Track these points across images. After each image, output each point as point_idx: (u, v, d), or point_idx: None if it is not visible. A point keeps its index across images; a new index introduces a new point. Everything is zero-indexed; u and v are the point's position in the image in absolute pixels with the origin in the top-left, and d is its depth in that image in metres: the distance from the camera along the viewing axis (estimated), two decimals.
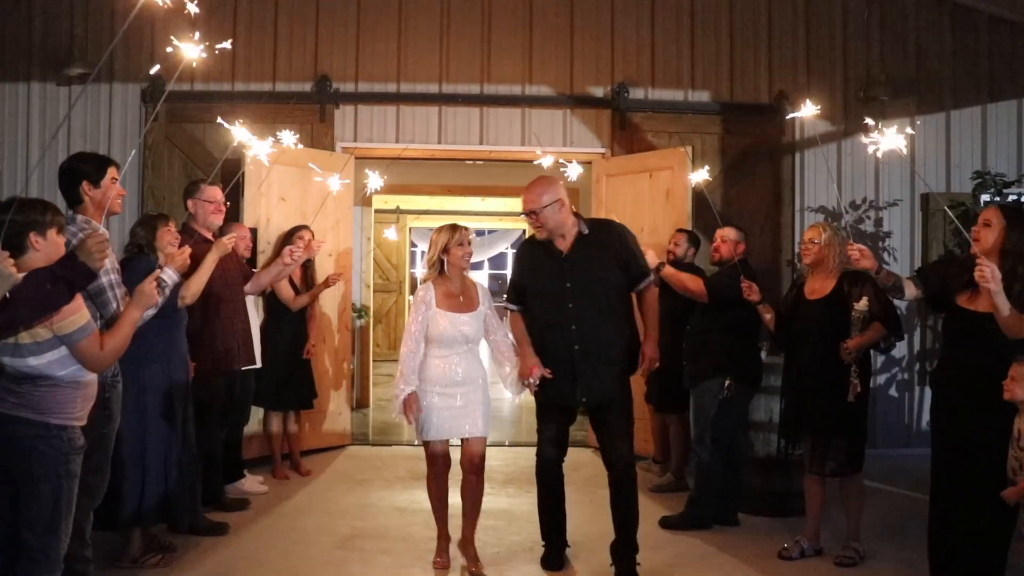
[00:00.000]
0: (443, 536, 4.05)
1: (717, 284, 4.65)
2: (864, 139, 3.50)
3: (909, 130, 3.57)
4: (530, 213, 3.82)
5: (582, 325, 3.77)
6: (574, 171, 4.80)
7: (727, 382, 4.55)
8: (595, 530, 4.27)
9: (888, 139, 3.38)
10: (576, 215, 3.93)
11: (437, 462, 3.97)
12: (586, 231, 3.88)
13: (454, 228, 3.90)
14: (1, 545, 2.79)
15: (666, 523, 4.63)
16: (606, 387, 3.81)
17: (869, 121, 3.45)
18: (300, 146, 4.77)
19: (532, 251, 4.02)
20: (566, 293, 3.80)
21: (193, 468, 3.96)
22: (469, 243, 3.93)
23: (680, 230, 5.51)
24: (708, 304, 4.65)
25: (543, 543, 4.07)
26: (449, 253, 3.86)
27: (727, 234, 4.78)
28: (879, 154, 3.47)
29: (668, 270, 4.77)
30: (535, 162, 5.53)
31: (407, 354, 3.83)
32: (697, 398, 4.66)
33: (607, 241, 3.88)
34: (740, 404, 4.67)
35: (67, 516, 2.80)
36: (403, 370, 3.82)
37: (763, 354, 4.97)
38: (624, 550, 3.85)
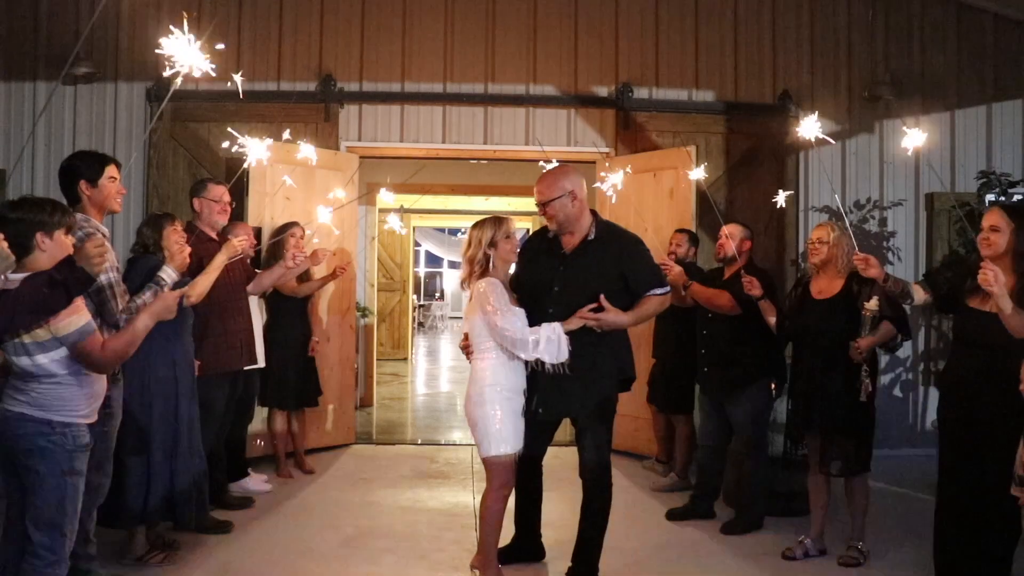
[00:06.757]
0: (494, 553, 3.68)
1: (744, 293, 4.38)
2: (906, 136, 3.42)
3: (917, 130, 3.53)
4: (540, 205, 3.61)
5: None
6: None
7: (772, 384, 4.51)
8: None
9: (912, 136, 3.35)
10: (594, 215, 3.69)
11: (513, 475, 3.61)
12: (593, 236, 3.63)
13: (499, 220, 3.58)
14: (10, 541, 2.80)
15: (671, 515, 4.71)
16: (568, 401, 3.57)
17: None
18: (311, 154, 4.60)
19: (536, 243, 3.81)
20: (551, 296, 3.57)
21: (199, 467, 3.96)
22: (515, 235, 3.61)
23: (680, 230, 5.47)
24: (739, 314, 4.48)
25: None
26: (497, 247, 3.52)
27: (732, 231, 4.63)
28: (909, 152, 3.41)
29: (695, 287, 4.59)
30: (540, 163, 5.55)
31: (518, 323, 3.43)
32: (748, 403, 4.50)
33: (612, 251, 3.61)
34: (771, 405, 4.66)
35: (73, 513, 2.80)
36: (524, 336, 3.41)
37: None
38: (577, 568, 3.67)
